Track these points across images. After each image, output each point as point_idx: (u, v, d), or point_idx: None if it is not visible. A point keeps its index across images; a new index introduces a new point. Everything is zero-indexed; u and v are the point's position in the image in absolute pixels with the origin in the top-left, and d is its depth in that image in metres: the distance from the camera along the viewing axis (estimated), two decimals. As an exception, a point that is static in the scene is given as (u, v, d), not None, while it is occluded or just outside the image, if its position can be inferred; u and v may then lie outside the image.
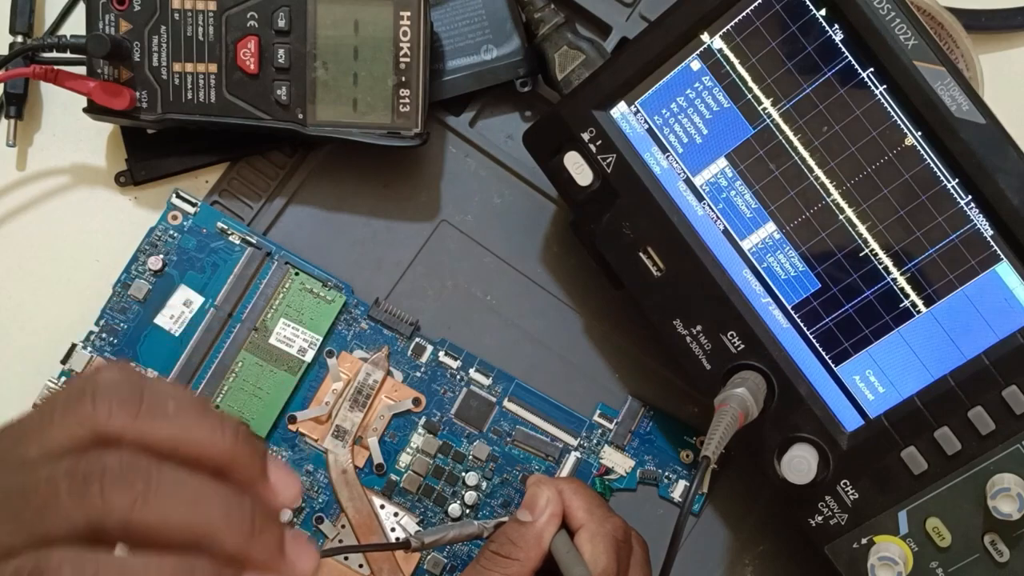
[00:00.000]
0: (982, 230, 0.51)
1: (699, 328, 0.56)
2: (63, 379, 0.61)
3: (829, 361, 0.54)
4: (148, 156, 0.63)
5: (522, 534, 0.54)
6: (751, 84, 0.53)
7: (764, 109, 0.53)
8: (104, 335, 0.61)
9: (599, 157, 0.56)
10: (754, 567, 0.63)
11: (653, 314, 0.57)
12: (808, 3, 0.52)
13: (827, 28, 0.52)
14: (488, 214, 0.64)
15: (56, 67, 0.59)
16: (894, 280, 0.53)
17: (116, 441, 0.32)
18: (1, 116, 0.63)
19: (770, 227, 0.54)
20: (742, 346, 0.55)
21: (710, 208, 0.55)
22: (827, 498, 0.55)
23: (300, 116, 0.59)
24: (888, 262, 0.53)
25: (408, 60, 0.58)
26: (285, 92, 0.58)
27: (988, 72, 0.60)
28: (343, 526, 0.61)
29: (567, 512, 0.55)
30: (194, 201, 0.62)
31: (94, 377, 0.33)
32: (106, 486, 0.30)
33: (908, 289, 0.53)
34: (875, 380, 0.54)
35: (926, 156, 0.51)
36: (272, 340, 0.61)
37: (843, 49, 0.52)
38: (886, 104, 0.51)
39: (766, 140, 0.54)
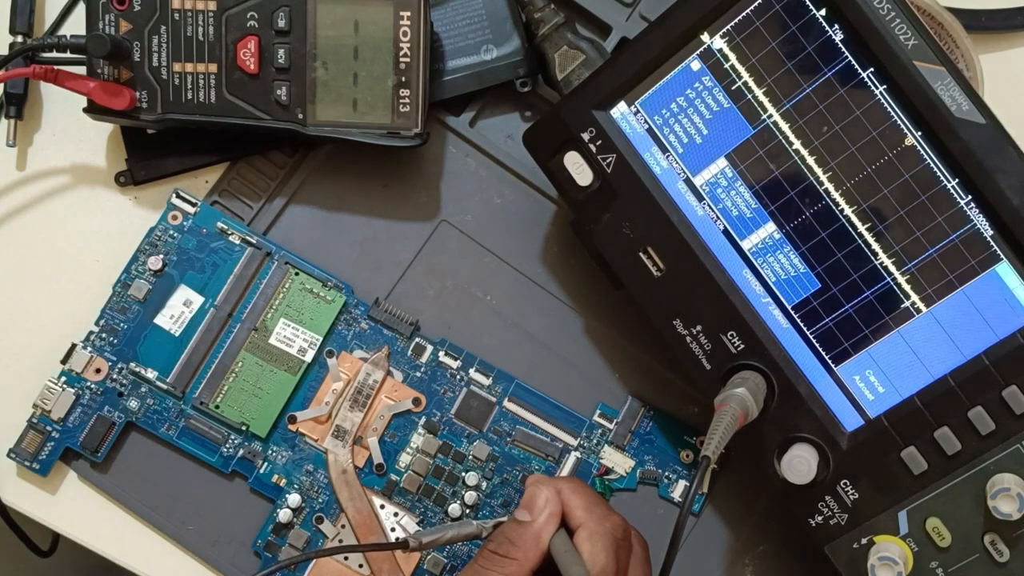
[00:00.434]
0: (982, 230, 0.51)
1: (699, 328, 0.56)
2: (63, 379, 0.61)
3: (829, 361, 0.54)
4: (148, 156, 0.63)
5: (520, 534, 0.54)
6: (751, 84, 0.53)
7: (764, 109, 0.53)
8: (104, 335, 0.61)
9: (599, 157, 0.56)
10: (754, 567, 0.63)
11: (653, 314, 0.57)
12: (808, 3, 0.52)
13: (827, 28, 0.52)
14: (488, 214, 0.64)
15: (56, 67, 0.59)
16: (894, 280, 0.53)
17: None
18: (1, 116, 0.63)
19: (770, 227, 0.54)
20: (742, 346, 0.55)
21: (710, 208, 0.55)
22: (827, 498, 0.55)
23: (300, 116, 0.59)
24: (888, 262, 0.53)
25: (408, 60, 0.58)
26: (285, 92, 0.58)
27: (988, 72, 0.60)
28: (343, 526, 0.61)
29: (566, 511, 0.55)
30: (194, 201, 0.62)
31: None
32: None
33: (908, 289, 0.53)
34: (875, 380, 0.54)
35: (926, 156, 0.51)
36: (272, 340, 0.61)
37: (843, 49, 0.52)
38: (886, 104, 0.51)
39: (766, 140, 0.54)
